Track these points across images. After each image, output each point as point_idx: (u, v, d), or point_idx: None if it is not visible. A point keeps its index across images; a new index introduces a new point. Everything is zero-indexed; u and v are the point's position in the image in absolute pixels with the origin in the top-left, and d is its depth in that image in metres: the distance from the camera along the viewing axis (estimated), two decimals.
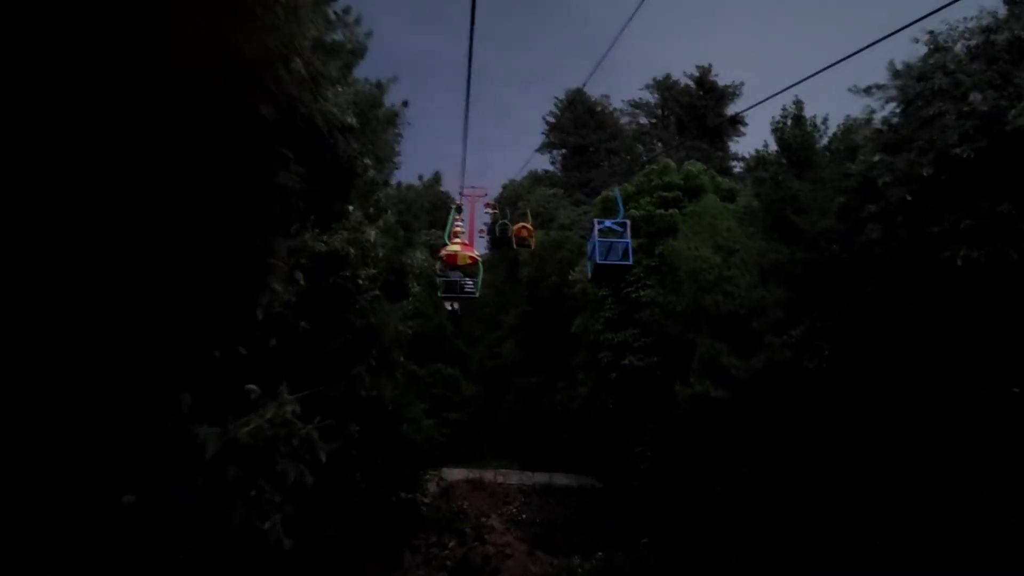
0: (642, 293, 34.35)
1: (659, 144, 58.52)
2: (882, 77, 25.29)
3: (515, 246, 27.36)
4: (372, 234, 17.02)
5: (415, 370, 49.28)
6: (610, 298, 35.88)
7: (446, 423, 49.32)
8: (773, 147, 32.11)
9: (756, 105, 30.42)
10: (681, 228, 31.34)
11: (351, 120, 17.60)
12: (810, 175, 30.24)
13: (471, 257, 21.09)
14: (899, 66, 25.12)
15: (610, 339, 34.69)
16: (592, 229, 19.91)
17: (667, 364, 31.77)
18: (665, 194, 36.63)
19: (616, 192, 24.78)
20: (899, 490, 21.04)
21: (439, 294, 23.16)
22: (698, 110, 55.23)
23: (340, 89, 17.84)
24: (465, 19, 8.38)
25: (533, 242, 33.65)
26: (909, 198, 19.48)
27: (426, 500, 33.34)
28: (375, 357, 22.29)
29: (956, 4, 7.53)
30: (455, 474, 39.90)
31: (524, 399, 49.52)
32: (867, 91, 33.03)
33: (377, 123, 21.38)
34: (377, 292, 19.57)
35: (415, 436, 31.69)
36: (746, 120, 54.85)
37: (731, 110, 54.59)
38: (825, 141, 32.07)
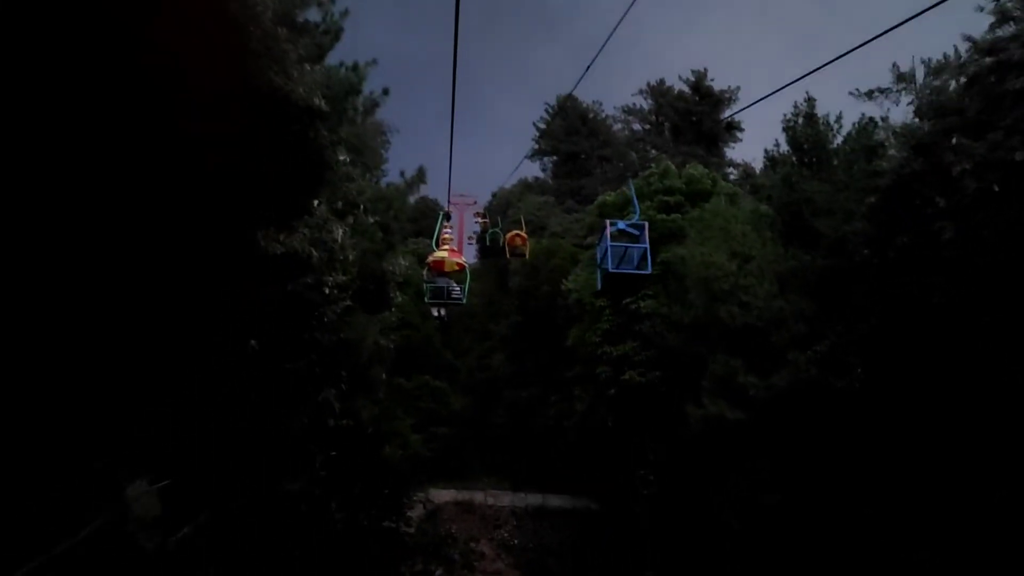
0: (643, 304, 31.23)
1: (653, 151, 55.63)
2: (876, 81, 23.01)
3: (508, 255, 26.10)
4: (339, 233, 13.83)
5: (401, 383, 46.18)
6: (608, 309, 32.72)
7: (434, 438, 46.07)
8: (784, 147, 29.20)
9: (748, 107, 27.70)
10: (689, 233, 28.21)
11: (319, 102, 14.59)
12: (823, 176, 27.29)
13: (458, 263, 19.70)
14: (903, 68, 24.39)
15: (608, 352, 31.52)
16: (603, 232, 16.80)
17: (671, 380, 28.64)
18: (667, 198, 33.56)
19: (631, 187, 21.36)
20: (947, 530, 17.94)
21: (426, 300, 21.25)
22: (694, 115, 52.42)
23: (308, 67, 14.89)
24: (451, 23, 7.37)
25: (527, 250, 30.52)
26: (996, 188, 16.32)
27: (411, 529, 29.93)
28: (350, 377, 19.20)
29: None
30: (443, 495, 36.55)
31: (515, 413, 46.33)
32: (869, 95, 30.22)
33: (355, 112, 18.22)
34: (349, 302, 16.43)
35: (398, 457, 28.34)
36: (742, 126, 52.27)
37: (726, 115, 51.90)
38: (839, 141, 29.14)
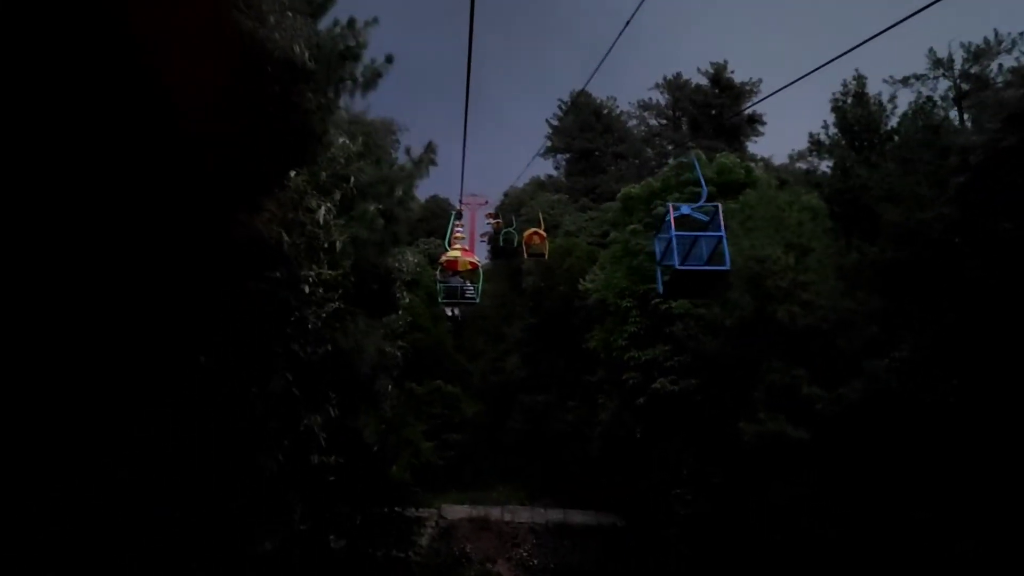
0: (674, 304, 27.42)
1: (670, 147, 51.80)
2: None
3: (526, 256, 24.11)
4: (321, 212, 10.15)
5: (413, 388, 42.68)
6: (635, 310, 28.91)
7: (447, 445, 42.60)
8: (832, 131, 25.47)
9: (771, 95, 24.20)
10: (730, 225, 24.37)
11: (303, 54, 11.10)
12: (878, 160, 23.54)
13: (471, 263, 18.78)
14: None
15: (636, 357, 27.69)
16: (665, 219, 13.17)
17: (709, 389, 24.83)
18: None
19: (692, 158, 17.23)
20: None
21: (439, 300, 20.59)
22: (713, 109, 48.62)
23: (291, 16, 11.41)
24: (464, 22, 6.74)
25: (547, 250, 27.10)
26: None
27: (419, 557, 26.07)
28: (349, 391, 15.58)
29: None
30: (457, 511, 32.78)
31: (531, 419, 42.53)
32: (905, 81, 26.69)
33: (353, 84, 14.48)
34: (340, 304, 12.75)
35: (407, 477, 24.60)
36: (764, 119, 48.40)
37: (750, 109, 48.05)
38: (893, 122, 25.36)
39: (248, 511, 9.91)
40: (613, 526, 30.58)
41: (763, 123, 48.62)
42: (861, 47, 7.30)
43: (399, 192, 15.61)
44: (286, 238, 9.25)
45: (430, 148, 16.10)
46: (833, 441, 17.24)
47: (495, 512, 32.70)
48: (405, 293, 20.12)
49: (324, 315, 11.61)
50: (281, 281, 9.42)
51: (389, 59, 15.22)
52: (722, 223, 12.44)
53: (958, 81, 27.11)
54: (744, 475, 20.71)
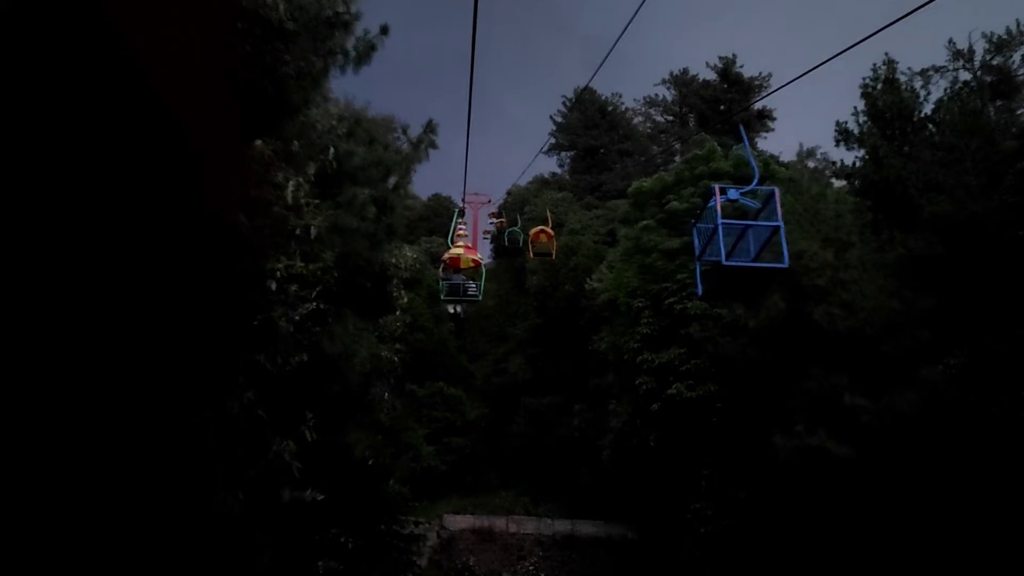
0: (689, 304, 25.22)
1: (677, 144, 49.61)
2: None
3: (532, 255, 23.60)
4: (290, 188, 7.94)
5: (414, 390, 40.56)
6: (648, 310, 26.67)
7: (449, 449, 40.48)
8: (862, 119, 23.24)
9: (776, 90, 22.20)
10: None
11: (280, 13, 9.09)
12: (912, 148, 21.40)
13: (474, 260, 18.86)
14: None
15: (649, 361, 25.44)
16: (709, 205, 10.94)
17: (729, 395, 22.63)
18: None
19: (742, 133, 14.59)
20: None
21: (442, 297, 21.14)
22: (722, 104, 46.38)
23: None
24: (465, 18, 6.48)
25: (554, 248, 25.06)
26: None
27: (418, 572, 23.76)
28: (336, 405, 13.50)
29: None
30: (459, 522, 30.55)
31: (536, 422, 40.41)
32: (923, 74, 24.53)
33: (346, 59, 12.32)
34: (319, 304, 10.55)
35: (403, 490, 22.34)
36: (774, 115, 46.15)
37: (759, 104, 45.79)
38: (928, 109, 23.20)
39: (203, 561, 7.66)
40: (624, 538, 28.35)
41: (773, 119, 46.41)
42: (876, 37, 6.72)
43: (395, 178, 13.37)
44: (244, 219, 7.07)
45: (430, 128, 13.85)
46: (881, 457, 15.03)
47: (500, 523, 30.48)
48: (403, 292, 17.88)
49: (298, 317, 9.40)
50: (240, 275, 7.25)
51: (384, 30, 12.99)
52: (779, 211, 10.11)
53: (979, 73, 25.11)
54: (774, 492, 18.47)
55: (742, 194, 10.91)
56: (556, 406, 39.16)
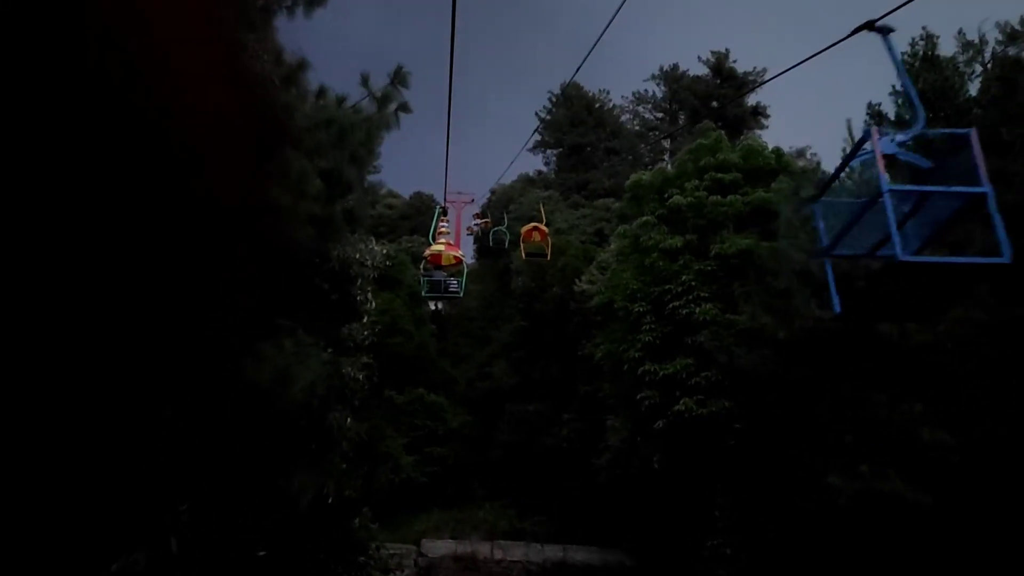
0: (697, 310, 21.65)
1: (667, 141, 46.24)
2: None
3: (524, 255, 22.08)
4: None
5: (393, 396, 36.83)
6: (649, 315, 23.05)
7: (430, 459, 36.77)
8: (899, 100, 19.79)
9: (771, 79, 19.19)
10: (781, 211, 18.43)
11: None
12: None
13: (456, 257, 18.06)
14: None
15: (652, 372, 21.82)
16: (859, 155, 6.48)
17: (750, 415, 19.08)
18: (721, 176, 23.95)
19: (888, 43, 8.73)
20: None
21: (423, 294, 20.40)
22: (714, 100, 43.04)
23: None
24: (446, 14, 6.06)
25: (549, 248, 21.58)
26: None
27: None
28: (283, 444, 9.88)
29: None
30: (438, 547, 26.73)
31: (521, 431, 36.71)
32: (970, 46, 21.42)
33: None
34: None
35: (372, 527, 18.51)
36: (768, 112, 42.84)
37: (753, 100, 42.56)
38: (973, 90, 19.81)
39: None
40: (621, 566, 24.58)
41: (767, 115, 43.08)
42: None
43: (353, 146, 9.58)
44: None
45: (399, 78, 10.01)
46: (965, 505, 11.53)
47: (484, 548, 26.67)
48: (372, 295, 14.13)
49: None
50: None
51: None
52: (982, 167, 5.99)
53: (988, 65, 21.96)
54: (820, 536, 14.82)
55: (907, 137, 6.36)
56: (543, 414, 35.57)
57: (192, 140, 6.78)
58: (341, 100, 9.60)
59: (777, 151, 24.71)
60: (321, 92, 9.42)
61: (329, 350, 11.22)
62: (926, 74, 19.19)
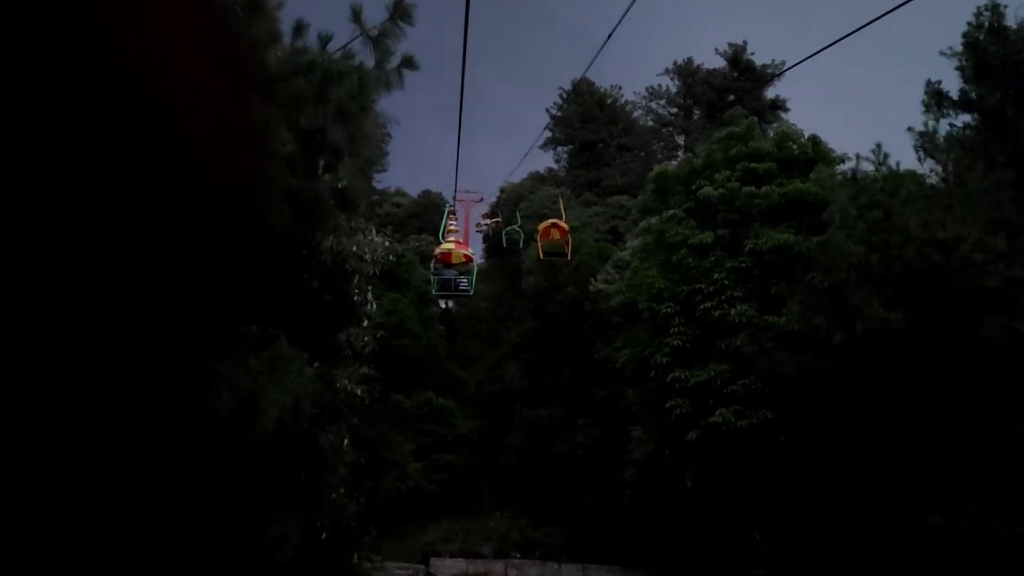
0: (732, 311, 19.22)
1: (682, 137, 43.83)
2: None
3: (542, 255, 20.25)
4: None
5: (400, 400, 34.60)
6: (678, 316, 20.60)
7: (438, 467, 34.50)
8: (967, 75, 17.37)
9: (790, 67, 17.06)
10: (839, 202, 15.77)
11: None
12: None
13: (465, 255, 17.41)
14: None
15: (683, 379, 19.37)
16: None
17: (796, 428, 16.66)
18: (754, 166, 21.49)
19: None
20: None
21: (433, 292, 19.90)
22: (732, 93, 40.56)
23: None
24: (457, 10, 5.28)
25: (569, 247, 19.21)
26: None
27: None
28: (254, 488, 7.47)
29: None
30: (448, 567, 24.41)
31: (533, 436, 34.35)
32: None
33: None
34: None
35: (373, 564, 16.23)
36: (788, 105, 40.35)
37: (771, 93, 40.04)
38: None
39: None
40: None
41: (787, 109, 40.55)
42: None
43: (342, 99, 7.17)
44: None
45: (401, 10, 7.53)
46: None
47: (497, 568, 24.32)
48: (372, 294, 11.75)
49: None
50: None
51: None
52: None
53: None
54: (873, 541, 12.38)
55: None
56: (556, 418, 33.19)
57: (108, 58, 4.43)
58: (326, 41, 7.18)
59: (814, 138, 22.23)
60: (299, 30, 7.00)
61: (316, 364, 8.81)
62: (992, 47, 16.72)
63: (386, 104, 8.24)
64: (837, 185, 16.71)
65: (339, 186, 8.38)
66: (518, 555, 31.38)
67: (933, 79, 17.23)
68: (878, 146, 15.09)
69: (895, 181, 14.21)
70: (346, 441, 11.50)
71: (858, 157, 15.19)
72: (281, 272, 8.66)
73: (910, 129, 17.13)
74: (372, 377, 12.68)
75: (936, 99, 17.24)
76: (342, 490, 12.99)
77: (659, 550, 21.21)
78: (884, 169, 14.62)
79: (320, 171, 7.37)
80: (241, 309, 7.14)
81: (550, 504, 32.00)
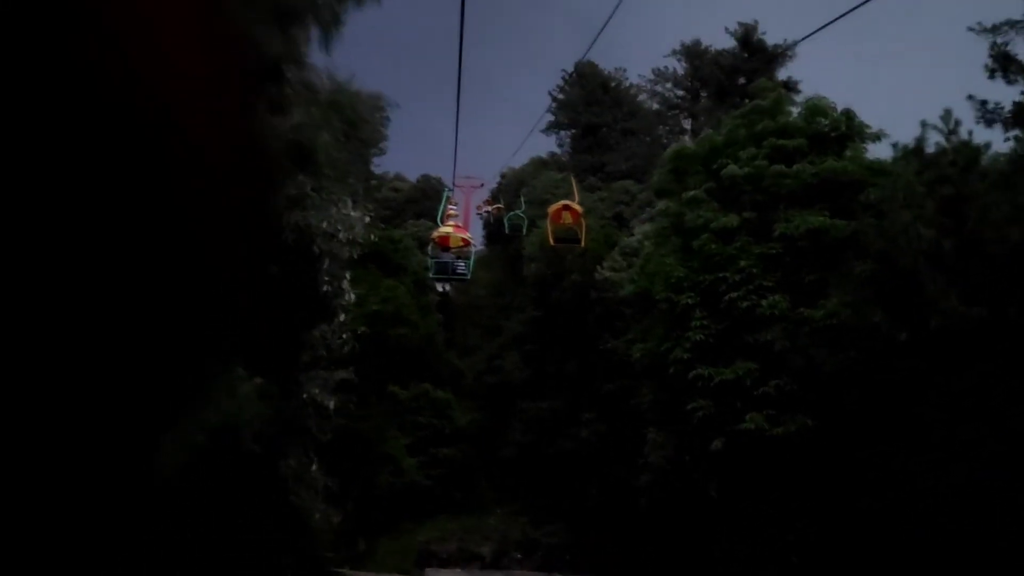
0: (763, 303, 16.76)
1: (689, 120, 41.31)
2: None
3: (552, 241, 17.59)
4: None
5: (396, 392, 32.30)
6: (698, 308, 18.12)
7: (435, 461, 32.20)
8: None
9: (800, 41, 14.68)
10: (900, 174, 13.33)
11: None
12: None
13: (464, 239, 15.75)
14: None
15: (706, 378, 16.91)
16: None
17: (831, 431, 14.27)
18: (783, 142, 18.97)
19: None
20: None
21: (430, 276, 17.81)
22: (742, 75, 37.94)
23: None
24: None
25: (583, 232, 17.37)
26: None
27: None
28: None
29: None
30: None
31: (534, 430, 32.10)
32: (994, 30, 16.38)
33: None
34: None
35: None
36: (800, 88, 37.71)
37: (783, 75, 37.47)
38: None
39: None
40: None
41: (799, 91, 37.72)
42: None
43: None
44: None
45: None
46: None
47: None
48: (348, 281, 9.23)
49: None
50: None
51: None
52: None
53: None
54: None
55: None
56: (558, 412, 30.92)
57: None
58: None
59: (848, 112, 19.68)
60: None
61: (264, 376, 6.35)
62: None
63: (385, 88, 5.98)
64: (898, 158, 14.17)
65: (291, 135, 5.88)
66: (519, 555, 29.26)
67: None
68: (947, 112, 12.58)
69: (969, 154, 11.73)
70: (314, 466, 9.01)
71: (924, 125, 12.71)
72: (217, 249, 6.14)
73: (970, 97, 14.59)
74: (350, 383, 10.19)
75: (1003, 62, 14.64)
76: (317, 515, 10.59)
77: (676, 562, 18.84)
78: (955, 140, 12.14)
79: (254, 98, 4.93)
80: (136, 303, 4.66)
81: (551, 501, 29.94)
